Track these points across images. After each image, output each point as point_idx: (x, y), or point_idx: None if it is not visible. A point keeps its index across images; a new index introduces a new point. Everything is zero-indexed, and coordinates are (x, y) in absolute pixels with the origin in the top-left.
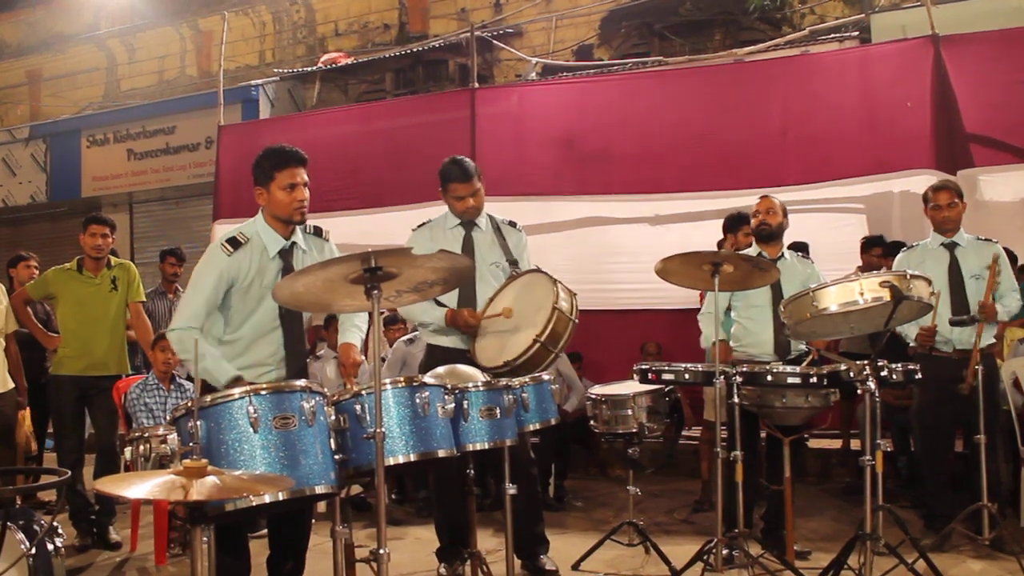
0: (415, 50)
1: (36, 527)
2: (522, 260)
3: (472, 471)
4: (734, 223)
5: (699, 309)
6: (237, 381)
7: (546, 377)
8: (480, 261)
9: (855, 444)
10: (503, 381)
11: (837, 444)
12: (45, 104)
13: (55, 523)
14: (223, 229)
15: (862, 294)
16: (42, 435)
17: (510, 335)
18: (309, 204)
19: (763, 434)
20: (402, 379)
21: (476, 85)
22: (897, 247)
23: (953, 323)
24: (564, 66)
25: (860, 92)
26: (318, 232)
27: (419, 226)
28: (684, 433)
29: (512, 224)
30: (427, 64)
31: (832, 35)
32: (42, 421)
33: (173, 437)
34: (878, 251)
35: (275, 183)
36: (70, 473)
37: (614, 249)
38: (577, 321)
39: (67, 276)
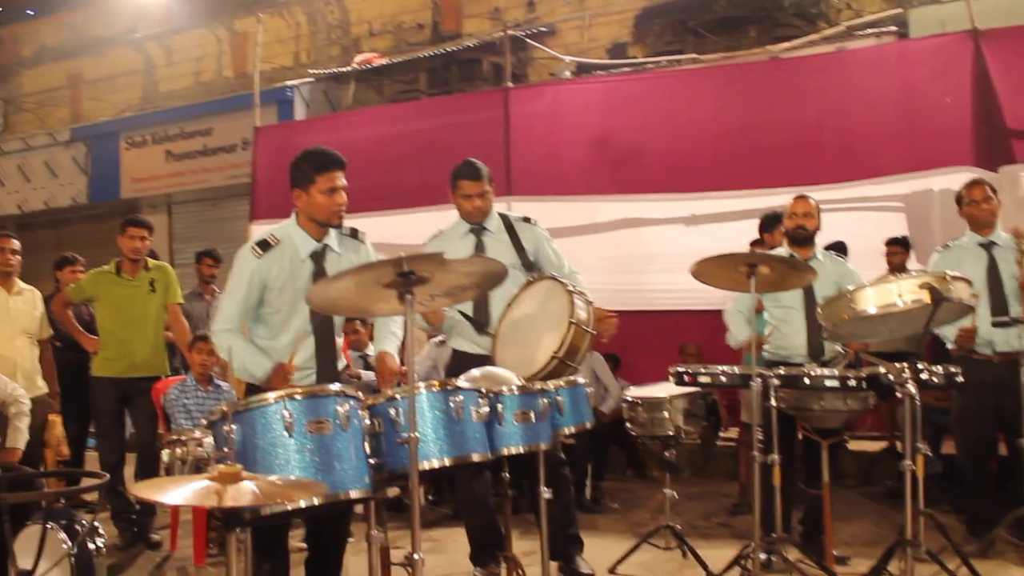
0: (449, 50)
1: (78, 527)
2: (546, 255)
3: (508, 474)
4: (771, 222)
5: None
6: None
7: (581, 380)
8: None
9: (899, 445)
10: (538, 384)
11: (877, 446)
12: (86, 107)
13: (96, 523)
14: (259, 230)
15: (900, 296)
16: (84, 436)
17: (529, 346)
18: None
19: (800, 436)
20: (436, 383)
21: (510, 84)
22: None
23: (995, 324)
24: (598, 64)
25: (898, 88)
26: (354, 234)
27: (432, 237)
28: (721, 434)
29: (526, 220)
30: (461, 64)
31: (869, 30)
32: (83, 422)
33: (209, 441)
34: (897, 249)
35: (315, 186)
36: (108, 476)
37: (650, 249)
38: (595, 332)
39: (105, 278)
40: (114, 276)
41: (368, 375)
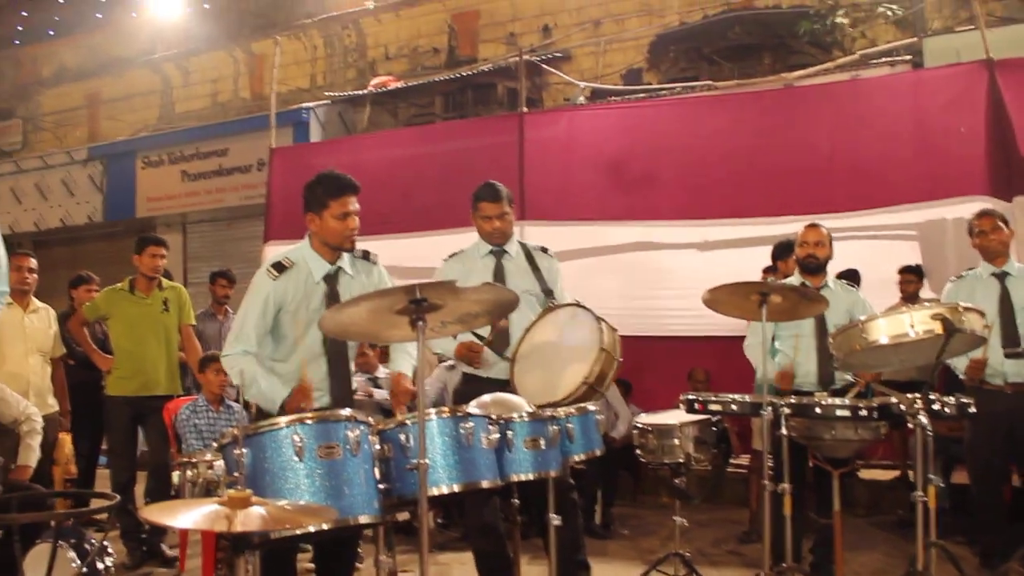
0: (464, 74)
1: (87, 546)
2: (556, 287)
3: (517, 500)
4: (784, 250)
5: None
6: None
7: (591, 408)
8: (512, 289)
9: (911, 475)
10: (548, 411)
11: (888, 475)
12: (103, 126)
13: (105, 542)
14: (273, 250)
15: (913, 326)
16: (95, 454)
17: (554, 372)
18: (359, 227)
19: (811, 464)
20: (447, 409)
21: (525, 109)
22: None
23: (1008, 356)
24: (613, 90)
25: (912, 117)
26: (367, 256)
27: (450, 256)
28: (732, 461)
29: (544, 250)
30: (476, 88)
31: (884, 59)
32: (95, 441)
33: (220, 463)
34: (911, 277)
35: (328, 211)
36: (119, 497)
37: (662, 275)
38: (621, 359)
39: (119, 296)
40: (128, 294)
41: (380, 393)
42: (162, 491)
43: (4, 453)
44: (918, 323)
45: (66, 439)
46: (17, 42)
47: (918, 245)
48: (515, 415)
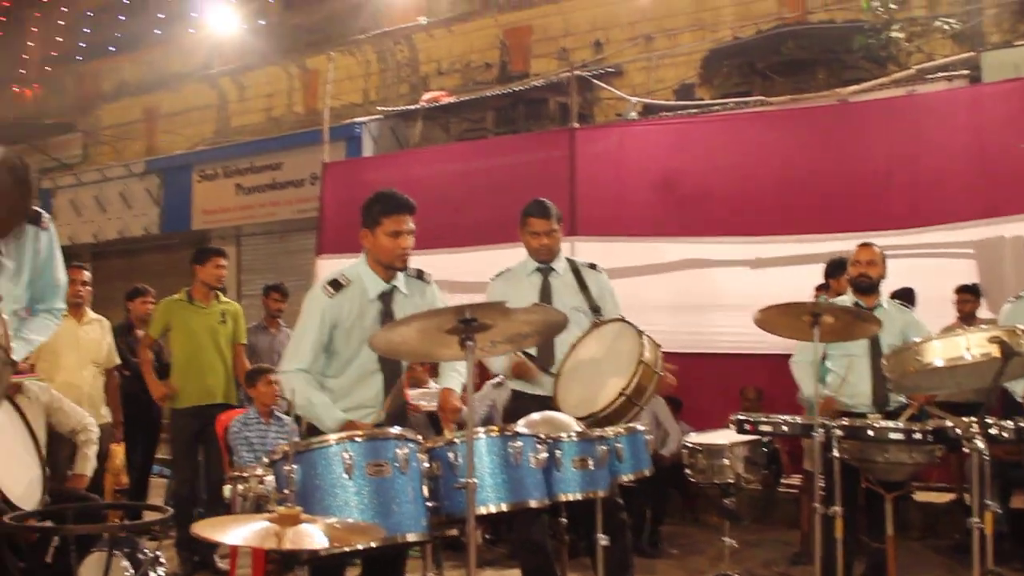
0: (516, 89)
1: (140, 556)
2: (605, 303)
3: (565, 519)
4: (836, 268)
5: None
6: (347, 426)
7: (640, 427)
8: (559, 307)
9: (967, 498)
10: (597, 431)
11: (944, 497)
12: (160, 140)
13: (158, 552)
14: (326, 264)
15: (969, 349)
16: (149, 464)
17: (595, 385)
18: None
19: (863, 486)
20: (495, 428)
21: (576, 125)
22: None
23: None
24: (665, 106)
25: (970, 133)
26: (420, 275)
27: (497, 275)
28: (784, 480)
29: (592, 266)
30: (528, 103)
31: (940, 74)
32: (149, 451)
33: (270, 479)
34: (967, 297)
35: (381, 228)
36: (171, 511)
37: (713, 291)
38: (662, 373)
39: (178, 306)
40: (187, 304)
41: (432, 407)
42: (218, 506)
43: (59, 461)
44: (974, 346)
45: (118, 450)
46: (80, 58)
47: (975, 263)
48: (564, 434)
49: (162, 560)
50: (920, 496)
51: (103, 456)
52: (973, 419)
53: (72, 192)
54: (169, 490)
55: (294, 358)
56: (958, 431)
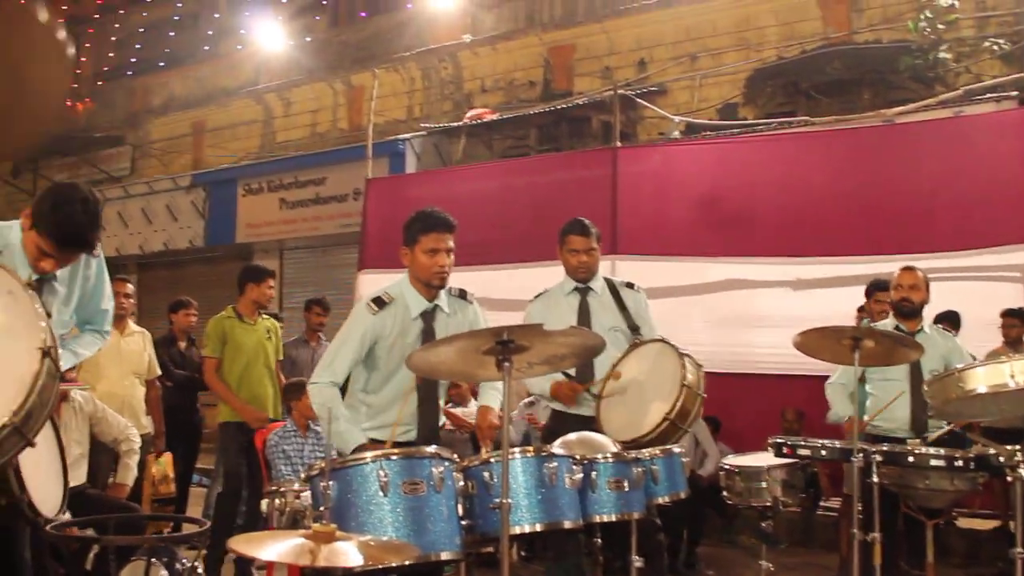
0: (559, 107)
1: (178, 565)
2: (644, 322)
3: (600, 540)
4: (875, 288)
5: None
6: (363, 448)
7: (676, 449)
8: (597, 327)
9: (1012, 525)
10: (633, 453)
11: (988, 524)
12: (207, 154)
13: (196, 563)
14: (367, 279)
15: (1013, 376)
16: (189, 475)
17: (638, 409)
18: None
19: (903, 511)
20: (531, 448)
21: (619, 144)
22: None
23: None
24: (708, 125)
25: (1018, 155)
26: (463, 295)
27: (536, 296)
28: (823, 503)
29: (630, 285)
30: (571, 121)
31: (989, 95)
32: (189, 462)
33: (307, 494)
34: (1014, 321)
35: (419, 246)
36: (208, 524)
37: (754, 312)
38: (705, 395)
39: (230, 323)
40: (237, 321)
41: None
42: (257, 521)
43: (100, 469)
44: (1019, 373)
45: (168, 459)
46: (130, 73)
47: (1022, 287)
48: (599, 456)
49: (200, 570)
50: (963, 522)
51: (141, 465)
52: (1017, 447)
53: (120, 204)
54: (208, 499)
55: (327, 371)
56: (1001, 458)
